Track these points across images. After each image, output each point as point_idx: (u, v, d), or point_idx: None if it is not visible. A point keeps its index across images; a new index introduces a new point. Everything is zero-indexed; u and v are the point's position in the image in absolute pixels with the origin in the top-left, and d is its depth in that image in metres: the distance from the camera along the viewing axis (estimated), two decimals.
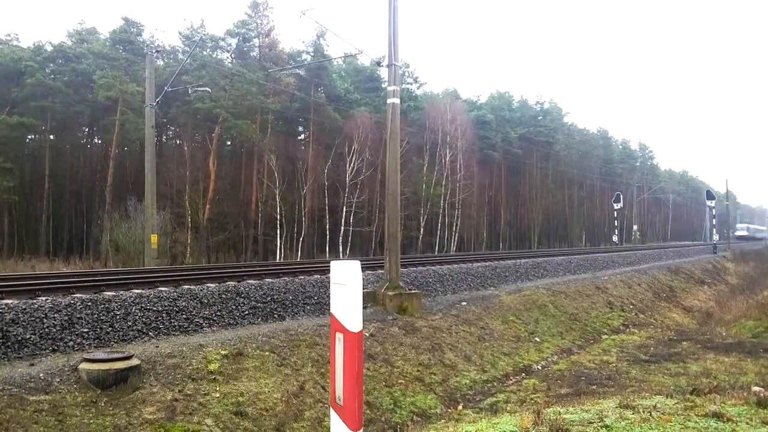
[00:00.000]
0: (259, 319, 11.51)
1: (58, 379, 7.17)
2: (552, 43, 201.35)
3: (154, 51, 27.34)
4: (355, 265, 3.37)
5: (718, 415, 4.97)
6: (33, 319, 8.78)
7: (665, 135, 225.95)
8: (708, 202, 59.82)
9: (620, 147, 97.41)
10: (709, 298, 28.57)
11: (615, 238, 57.89)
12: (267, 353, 9.28)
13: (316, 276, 14.94)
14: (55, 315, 9.07)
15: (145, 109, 23.94)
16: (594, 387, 10.28)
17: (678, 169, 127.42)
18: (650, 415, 5.04)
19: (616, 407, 5.48)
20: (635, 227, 75.66)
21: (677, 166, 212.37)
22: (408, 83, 55.97)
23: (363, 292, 10.71)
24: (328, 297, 3.58)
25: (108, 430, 6.59)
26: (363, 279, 14.63)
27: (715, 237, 55.98)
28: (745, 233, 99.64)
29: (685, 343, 15.00)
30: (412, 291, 14.25)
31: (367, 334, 11.13)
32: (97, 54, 40.15)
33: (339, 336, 3.39)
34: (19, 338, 8.28)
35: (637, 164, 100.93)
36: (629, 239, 74.99)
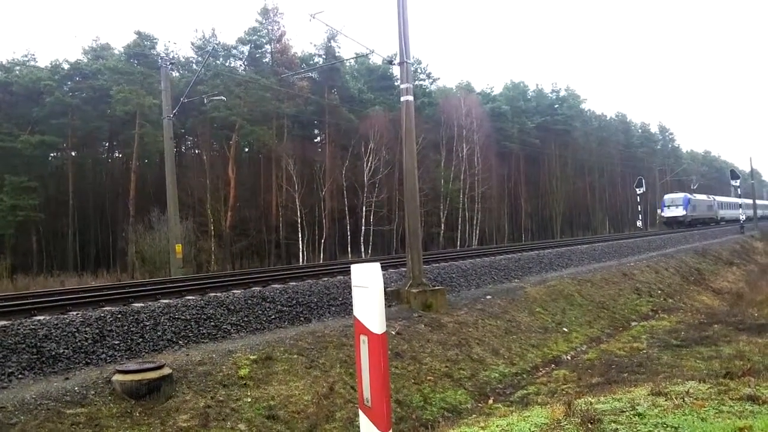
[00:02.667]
0: (286, 323, 11.59)
1: (92, 392, 7.30)
2: (565, 28, 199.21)
3: (168, 63, 27.65)
4: (375, 267, 3.38)
5: (753, 398, 4.90)
6: (65, 333, 8.94)
7: (685, 115, 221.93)
8: (732, 182, 58.82)
9: (639, 131, 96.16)
10: (739, 279, 28.11)
11: (639, 223, 57.17)
12: (295, 356, 9.35)
13: (339, 277, 14.99)
14: (87, 329, 9.23)
15: (162, 121, 24.20)
16: (625, 375, 10.19)
17: (700, 150, 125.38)
18: (683, 401, 4.99)
19: (648, 394, 5.44)
20: (659, 211, 74.62)
21: (699, 146, 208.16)
22: (421, 80, 55.90)
23: (387, 291, 10.68)
24: (352, 298, 3.60)
25: None
26: (386, 277, 14.54)
27: (742, 217, 55.00)
28: (679, 213, 53.32)
29: (716, 325, 14.80)
30: (436, 287, 14.23)
31: (393, 333, 11.16)
32: (112, 69, 40.72)
33: (363, 338, 3.41)
34: (53, 353, 8.45)
35: (658, 147, 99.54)
36: (654, 223, 73.95)
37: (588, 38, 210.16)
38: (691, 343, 12.85)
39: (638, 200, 54.04)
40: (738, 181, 57.56)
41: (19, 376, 7.86)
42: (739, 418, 4.33)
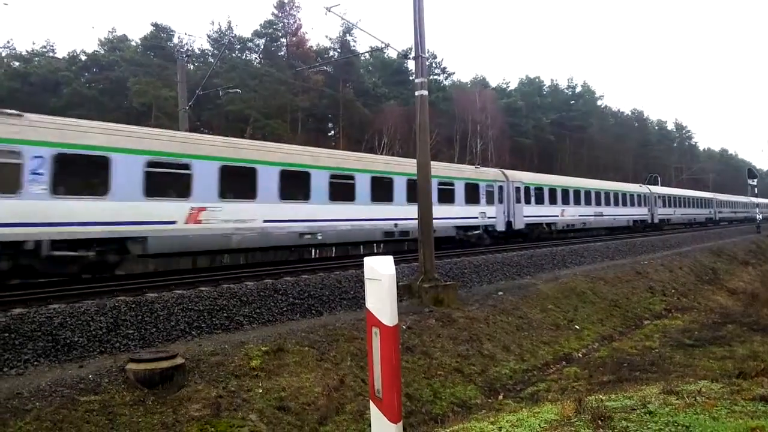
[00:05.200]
0: (298, 315, 11.65)
1: (106, 380, 7.39)
2: (583, 23, 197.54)
3: (184, 56, 27.80)
4: (388, 260, 3.40)
5: (766, 399, 4.85)
6: (80, 322, 9.05)
7: (703, 113, 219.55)
8: (750, 181, 58.04)
9: (656, 128, 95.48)
10: (754, 279, 27.81)
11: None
12: (306, 348, 9.40)
13: (351, 271, 15.03)
14: (101, 318, 9.33)
15: (178, 113, 24.33)
16: (637, 373, 10.14)
17: (717, 148, 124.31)
18: (695, 400, 4.96)
19: (660, 393, 5.40)
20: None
21: (716, 144, 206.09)
22: (436, 74, 55.75)
23: (399, 285, 10.67)
24: (364, 291, 3.62)
25: (156, 428, 6.78)
26: (398, 272, 14.58)
27: (759, 216, 54.23)
28: None
29: (730, 325, 14.68)
30: (448, 282, 14.22)
31: (404, 327, 11.17)
32: (129, 61, 41.03)
33: (375, 330, 3.43)
34: (68, 341, 8.56)
35: (675, 145, 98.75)
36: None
37: (606, 33, 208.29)
38: (705, 342, 12.76)
39: None
40: (755, 180, 56.83)
41: (35, 363, 7.97)
42: (752, 419, 4.30)
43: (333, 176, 18.42)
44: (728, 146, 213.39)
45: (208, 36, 47.40)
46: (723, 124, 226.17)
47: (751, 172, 58.10)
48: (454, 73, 61.83)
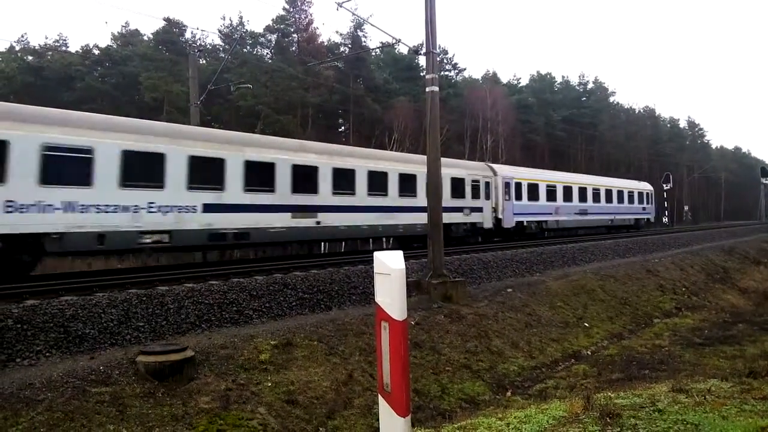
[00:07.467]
0: (307, 310, 11.68)
1: (117, 372, 7.46)
2: (594, 18, 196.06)
3: (196, 51, 27.88)
4: (398, 255, 3.42)
5: None
6: (91, 314, 9.13)
7: (716, 110, 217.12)
8: (763, 180, 57.41)
9: (668, 126, 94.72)
10: (766, 278, 27.58)
11: (665, 220, 56.24)
12: (315, 343, 9.44)
13: (360, 266, 15.05)
14: (112, 310, 9.40)
15: (189, 108, 24.41)
16: (646, 371, 10.10)
17: (730, 146, 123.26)
18: (704, 398, 4.95)
19: (669, 391, 5.39)
20: (686, 208, 73.26)
21: (729, 142, 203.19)
22: (447, 70, 55.58)
23: (407, 281, 10.68)
24: (373, 287, 3.64)
25: (166, 420, 6.84)
26: (407, 268, 14.56)
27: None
28: None
29: (741, 325, 14.58)
30: (457, 279, 14.21)
31: (412, 323, 11.19)
32: (141, 56, 41.20)
33: (384, 325, 3.44)
34: (79, 333, 8.63)
35: (687, 143, 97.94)
36: (680, 220, 72.81)
37: (618, 29, 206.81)
38: (715, 341, 12.67)
39: (665, 196, 53.13)
40: None
41: (47, 354, 8.05)
42: (762, 418, 4.28)
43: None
44: (742, 144, 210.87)
45: (220, 31, 47.59)
46: (737, 122, 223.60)
47: (764, 171, 57.45)
48: (465, 69, 61.64)
